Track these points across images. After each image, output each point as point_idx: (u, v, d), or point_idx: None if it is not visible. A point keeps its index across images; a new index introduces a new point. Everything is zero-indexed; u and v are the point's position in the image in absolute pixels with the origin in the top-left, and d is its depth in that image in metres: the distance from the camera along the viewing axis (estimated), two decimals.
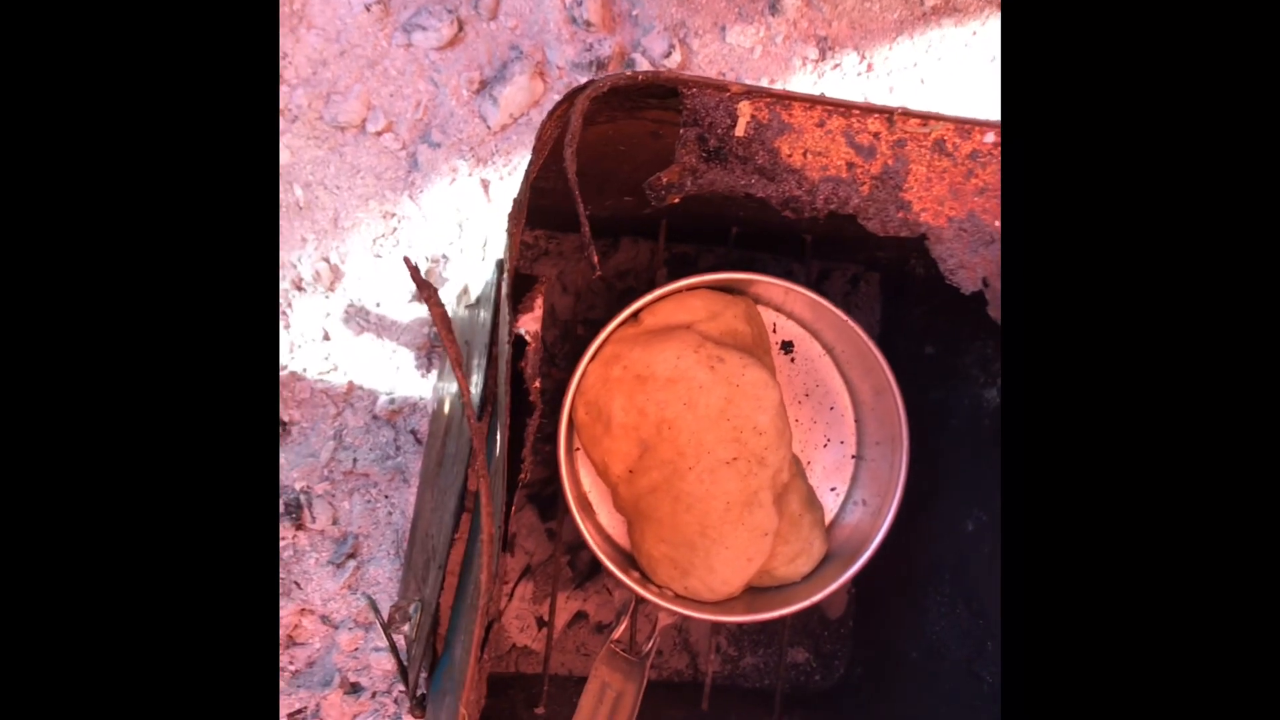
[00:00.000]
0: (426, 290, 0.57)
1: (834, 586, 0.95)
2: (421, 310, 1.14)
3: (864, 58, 1.22)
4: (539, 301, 0.67)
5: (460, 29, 1.16)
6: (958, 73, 1.23)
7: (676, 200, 0.62)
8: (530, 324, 0.65)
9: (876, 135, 0.63)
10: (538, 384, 0.65)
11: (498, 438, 0.62)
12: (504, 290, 0.58)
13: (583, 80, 1.15)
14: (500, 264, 0.76)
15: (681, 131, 0.61)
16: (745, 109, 0.61)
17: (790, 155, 0.62)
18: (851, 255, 1.16)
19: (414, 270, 0.57)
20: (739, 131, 0.61)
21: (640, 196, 1.00)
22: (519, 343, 0.66)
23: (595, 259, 0.59)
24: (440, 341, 1.14)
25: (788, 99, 0.61)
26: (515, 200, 0.62)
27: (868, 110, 0.63)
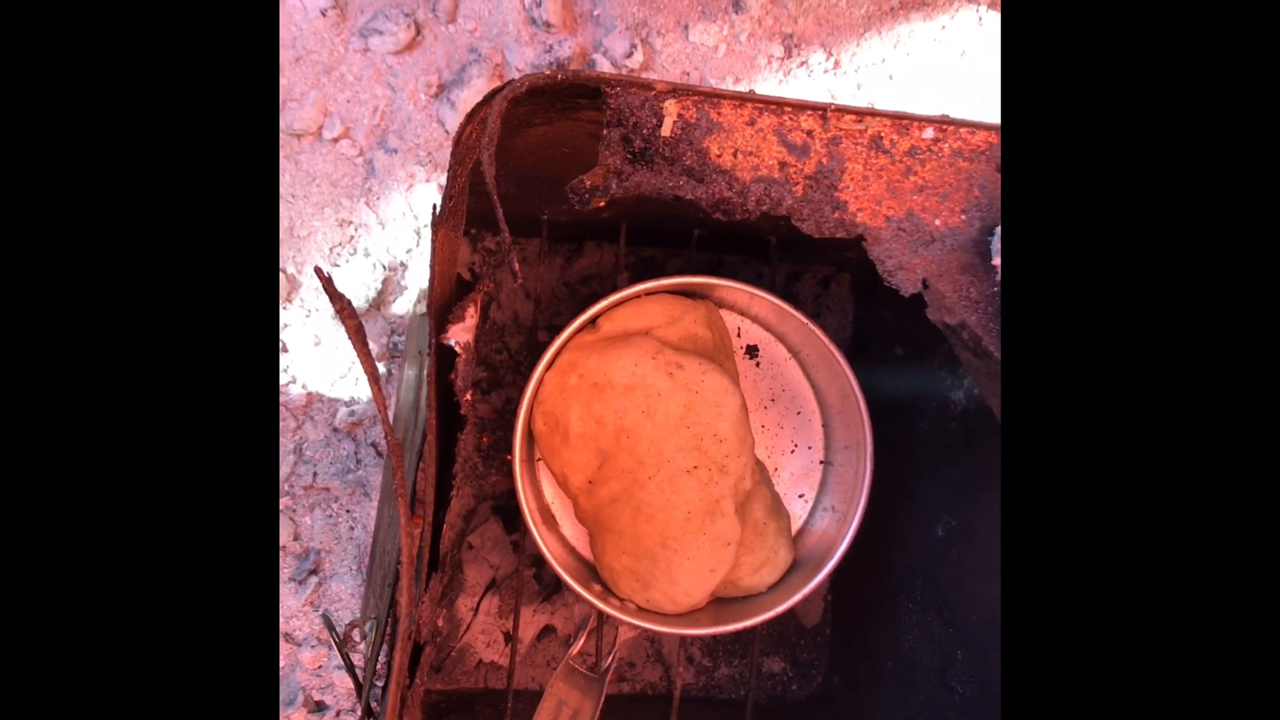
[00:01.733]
0: (339, 302, 0.54)
1: (800, 595, 0.92)
2: (379, 320, 1.12)
3: (831, 54, 1.20)
4: (471, 310, 0.64)
5: (418, 33, 1.14)
6: (927, 68, 1.21)
7: (602, 204, 0.59)
8: (461, 334, 0.63)
9: (810, 133, 0.61)
10: (468, 396, 0.63)
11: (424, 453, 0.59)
12: (425, 299, 0.56)
13: None
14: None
15: (605, 132, 0.58)
16: (671, 108, 0.58)
17: (720, 155, 0.60)
18: (822, 256, 1.13)
19: (326, 281, 0.54)
20: (665, 131, 0.58)
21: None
22: (448, 353, 0.64)
23: (516, 266, 0.57)
24: (399, 351, 1.11)
25: (716, 96, 0.58)
26: (436, 206, 0.59)
27: (800, 107, 0.60)
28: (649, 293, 0.94)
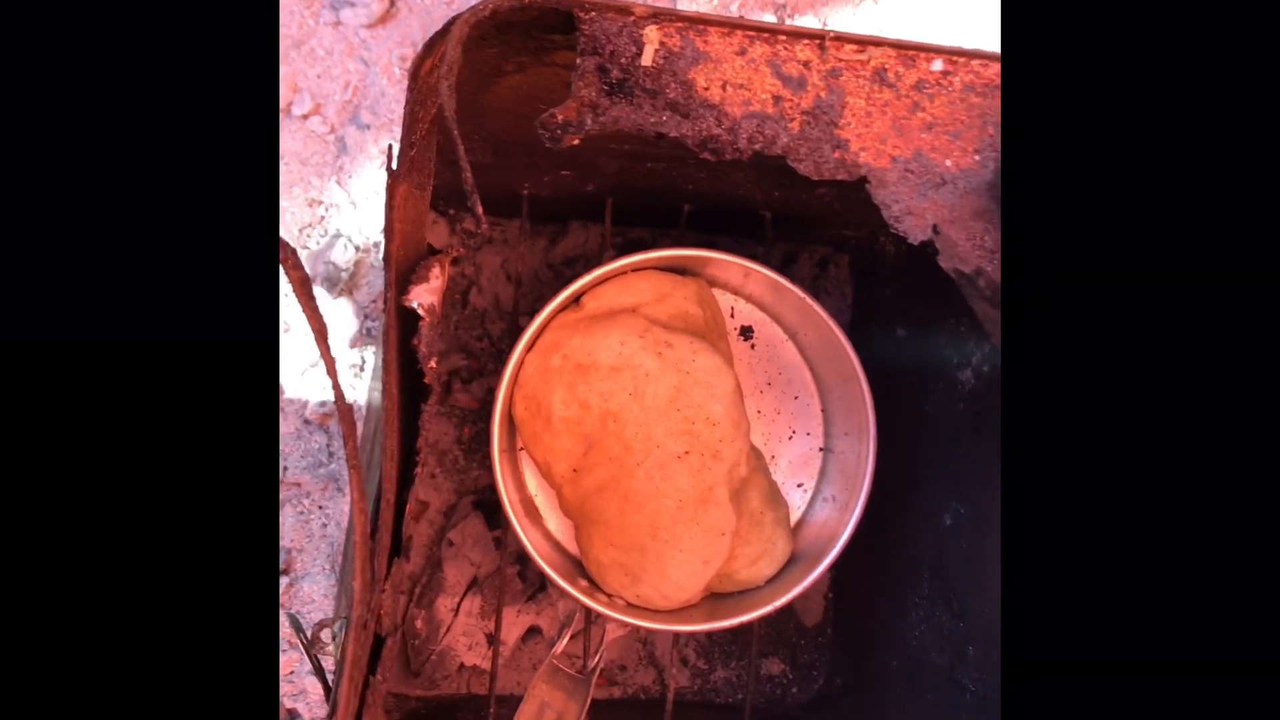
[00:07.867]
0: (283, 251, 0.49)
1: (800, 589, 0.87)
2: (352, 304, 1.06)
3: (825, 25, 1.15)
4: (436, 271, 0.59)
5: (392, 4, 1.10)
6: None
7: (576, 141, 0.54)
8: (425, 295, 0.57)
9: (806, 64, 0.55)
10: (433, 364, 0.57)
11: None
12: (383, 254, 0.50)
13: None
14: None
15: (579, 61, 0.53)
16: (653, 35, 0.53)
17: (707, 88, 0.54)
18: (818, 235, 1.08)
19: None
20: (645, 61, 0.53)
21: (582, 171, 0.92)
22: (411, 317, 0.58)
23: (480, 209, 0.51)
24: (373, 337, 1.06)
25: (702, 23, 0.53)
26: (392, 149, 0.54)
27: (795, 35, 0.54)
28: (636, 268, 0.89)
